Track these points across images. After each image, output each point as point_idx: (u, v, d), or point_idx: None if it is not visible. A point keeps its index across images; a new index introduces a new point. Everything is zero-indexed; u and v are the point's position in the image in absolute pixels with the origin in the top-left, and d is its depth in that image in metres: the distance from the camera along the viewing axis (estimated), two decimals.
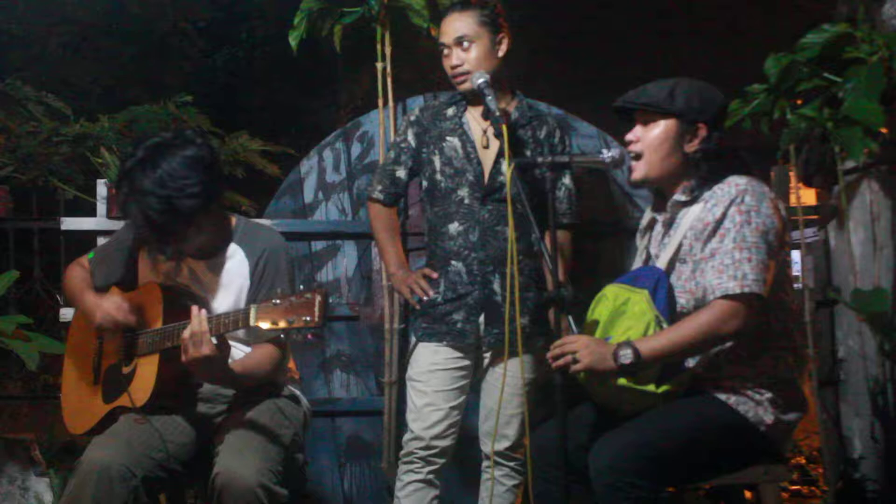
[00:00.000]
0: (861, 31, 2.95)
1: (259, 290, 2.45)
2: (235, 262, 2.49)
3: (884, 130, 2.86)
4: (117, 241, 2.65)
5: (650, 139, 2.31)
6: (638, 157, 2.34)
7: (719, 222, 2.20)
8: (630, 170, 2.37)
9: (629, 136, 2.36)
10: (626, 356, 2.14)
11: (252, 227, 2.57)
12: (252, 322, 2.13)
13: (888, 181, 3.21)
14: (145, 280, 2.51)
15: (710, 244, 2.21)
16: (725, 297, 2.15)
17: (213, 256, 2.49)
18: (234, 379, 2.35)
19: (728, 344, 2.23)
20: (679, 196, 2.32)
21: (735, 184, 2.22)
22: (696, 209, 2.28)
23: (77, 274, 2.61)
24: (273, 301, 2.09)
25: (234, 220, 2.54)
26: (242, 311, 2.17)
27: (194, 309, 2.23)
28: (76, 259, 2.68)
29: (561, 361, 2.18)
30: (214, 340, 2.21)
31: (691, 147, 2.30)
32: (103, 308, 2.40)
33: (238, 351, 2.47)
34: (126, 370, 2.43)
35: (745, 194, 2.19)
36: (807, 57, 2.92)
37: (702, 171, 2.28)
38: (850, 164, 3.22)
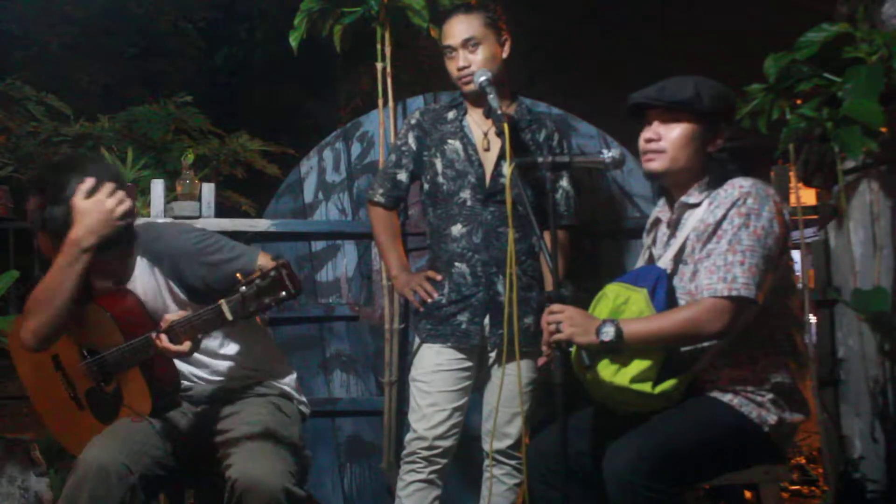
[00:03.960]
0: (861, 30, 2.95)
1: (186, 277, 2.36)
2: (144, 272, 2.40)
3: (883, 130, 2.86)
4: None
5: (676, 138, 2.29)
6: (661, 150, 2.30)
7: (719, 224, 2.19)
8: (647, 160, 2.33)
9: (648, 135, 2.31)
10: (608, 333, 2.15)
11: (149, 230, 2.44)
12: (229, 317, 2.11)
13: (888, 181, 3.21)
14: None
15: (708, 245, 2.21)
16: (714, 297, 2.14)
17: (123, 278, 2.41)
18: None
19: (712, 343, 2.22)
20: (687, 198, 2.32)
21: (738, 186, 2.21)
22: (699, 211, 2.28)
23: None
24: (240, 290, 2.06)
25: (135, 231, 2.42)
26: (213, 309, 2.13)
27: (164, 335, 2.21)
28: None
29: (545, 332, 2.21)
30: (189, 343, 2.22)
31: (714, 147, 2.30)
32: None
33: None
34: (109, 389, 2.41)
35: (748, 197, 2.19)
36: (805, 55, 2.92)
37: (721, 170, 2.28)
38: (849, 164, 3.22)
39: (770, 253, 2.17)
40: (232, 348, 2.51)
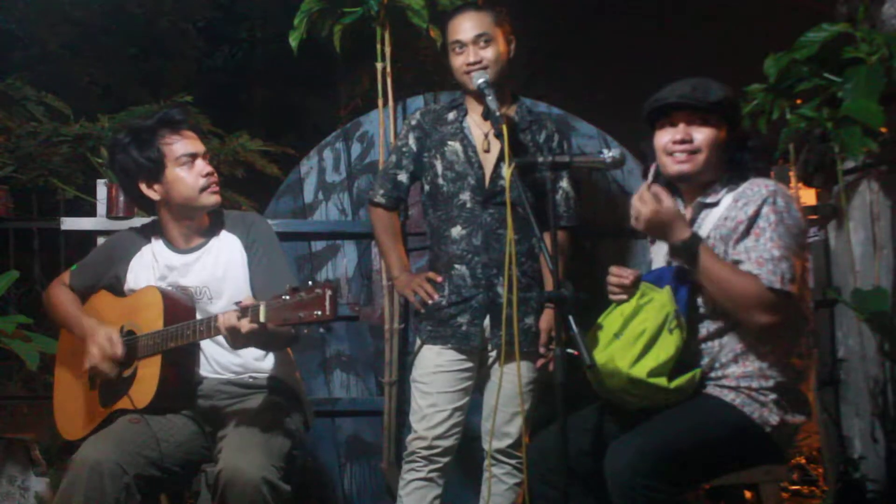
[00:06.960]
0: (861, 30, 2.95)
1: (256, 264, 2.50)
2: (227, 245, 2.53)
3: (883, 130, 2.86)
4: (105, 249, 2.70)
5: (709, 140, 2.28)
6: (695, 151, 2.29)
7: (753, 220, 2.20)
8: (679, 162, 2.30)
9: (679, 136, 2.28)
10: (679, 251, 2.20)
11: (236, 214, 2.64)
12: (262, 319, 2.13)
13: (888, 181, 3.21)
14: (139, 284, 2.53)
15: (745, 242, 2.20)
16: (770, 287, 2.15)
17: (205, 246, 2.53)
18: (265, 340, 2.35)
19: (722, 336, 2.23)
20: (704, 198, 2.32)
21: (765, 185, 2.23)
22: (719, 210, 2.28)
23: (64, 297, 2.61)
24: (283, 297, 2.10)
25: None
26: (251, 308, 2.17)
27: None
28: (56, 279, 2.69)
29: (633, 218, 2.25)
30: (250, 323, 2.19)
31: (733, 147, 2.31)
32: (96, 342, 2.41)
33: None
34: (126, 373, 2.43)
35: (777, 195, 2.21)
36: (805, 55, 2.92)
37: (739, 170, 2.29)
38: (850, 164, 3.22)
39: (802, 250, 2.20)
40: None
